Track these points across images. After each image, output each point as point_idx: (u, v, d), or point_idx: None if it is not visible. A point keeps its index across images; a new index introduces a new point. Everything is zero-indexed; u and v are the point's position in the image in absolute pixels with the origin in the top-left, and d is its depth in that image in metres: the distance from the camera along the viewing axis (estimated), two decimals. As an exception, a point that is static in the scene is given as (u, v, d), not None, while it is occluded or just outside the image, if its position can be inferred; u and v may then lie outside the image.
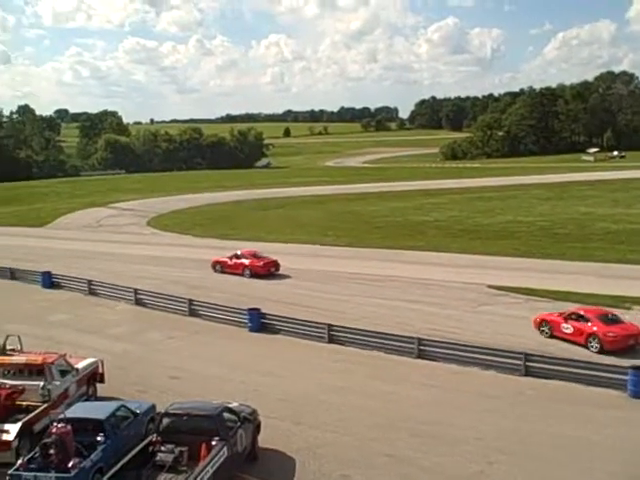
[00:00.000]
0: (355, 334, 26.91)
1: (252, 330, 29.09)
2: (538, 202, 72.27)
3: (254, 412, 18.41)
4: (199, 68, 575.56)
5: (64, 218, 72.94)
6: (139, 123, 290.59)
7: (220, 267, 41.58)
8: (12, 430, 17.65)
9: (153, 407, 19.12)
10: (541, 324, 27.83)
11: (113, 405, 18.40)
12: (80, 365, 21.76)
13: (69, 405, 19.28)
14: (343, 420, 19.87)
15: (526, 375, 22.99)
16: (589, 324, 26.05)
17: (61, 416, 16.81)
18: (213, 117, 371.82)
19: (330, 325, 27.48)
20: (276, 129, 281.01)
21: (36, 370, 19.99)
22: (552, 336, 27.08)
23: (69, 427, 15.99)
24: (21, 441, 17.61)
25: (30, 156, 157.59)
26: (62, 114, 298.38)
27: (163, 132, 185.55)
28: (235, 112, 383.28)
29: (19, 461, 15.66)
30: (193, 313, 31.87)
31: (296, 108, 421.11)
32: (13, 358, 20.92)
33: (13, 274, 41.80)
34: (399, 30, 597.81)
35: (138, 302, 34.32)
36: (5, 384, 19.40)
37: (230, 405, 17.69)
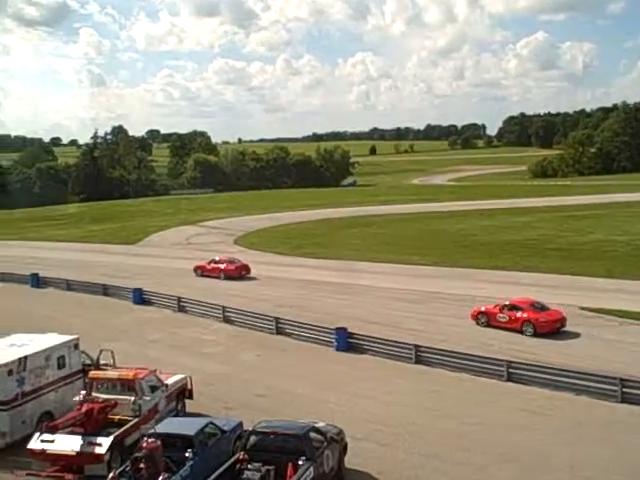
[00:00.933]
0: (443, 355, 26.47)
1: (339, 349, 28.98)
2: (636, 220, 69.48)
3: (341, 432, 18.28)
4: (286, 87, 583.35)
5: (155, 236, 74.79)
6: (227, 142, 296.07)
7: (200, 272, 48.04)
8: (104, 443, 18.03)
9: (240, 424, 19.20)
10: (478, 316, 32.12)
11: (202, 421, 18.57)
12: (170, 381, 22.11)
13: (159, 420, 19.59)
14: (431, 443, 19.50)
15: (622, 402, 22.09)
16: (522, 313, 30.53)
17: (151, 431, 17.10)
18: (300, 136, 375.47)
19: (417, 346, 27.14)
20: (362, 147, 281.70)
21: (127, 385, 20.38)
22: (488, 325, 31.41)
23: (159, 442, 16.22)
24: (112, 454, 17.98)
25: (123, 175, 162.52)
26: (154, 134, 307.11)
27: (251, 151, 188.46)
28: (321, 131, 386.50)
29: (110, 474, 15.95)
30: (280, 331, 32.02)
31: (382, 126, 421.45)
32: (106, 373, 21.44)
33: (106, 290, 43.04)
34: (487, 46, 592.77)
35: (226, 320, 34.75)
36: (98, 398, 19.88)
37: (317, 425, 17.60)
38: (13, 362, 20.38)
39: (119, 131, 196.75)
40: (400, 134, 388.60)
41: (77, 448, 18.02)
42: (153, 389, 20.90)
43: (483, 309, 32.25)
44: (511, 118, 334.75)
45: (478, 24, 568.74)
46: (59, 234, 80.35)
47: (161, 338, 32.29)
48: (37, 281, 47.14)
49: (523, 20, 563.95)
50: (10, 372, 20.14)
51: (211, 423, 18.42)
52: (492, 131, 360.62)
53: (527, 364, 24.77)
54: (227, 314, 34.86)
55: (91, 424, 18.72)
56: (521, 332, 30.21)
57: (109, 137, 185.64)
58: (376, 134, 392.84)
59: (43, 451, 18.22)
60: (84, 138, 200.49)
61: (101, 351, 23.73)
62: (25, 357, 20.80)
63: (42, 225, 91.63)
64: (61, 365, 22.10)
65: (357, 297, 39.28)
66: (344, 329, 29.49)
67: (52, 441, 18.20)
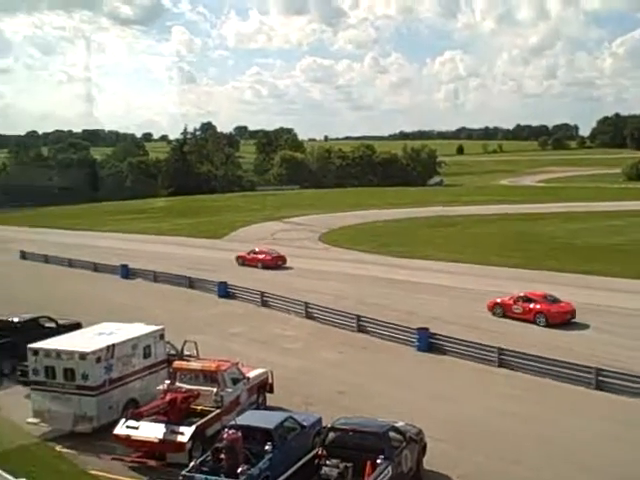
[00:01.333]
0: (528, 360, 25.87)
1: (420, 349, 28.75)
2: None
3: (420, 433, 18.12)
4: (373, 85, 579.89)
5: (241, 231, 75.87)
6: (314, 140, 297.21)
7: (242, 261, 51.66)
8: (186, 432, 18.40)
9: (319, 420, 19.26)
10: (494, 307, 34.41)
11: (281, 415, 18.72)
12: (251, 374, 22.39)
13: (240, 412, 19.85)
14: (512, 448, 19.14)
15: None
16: (536, 305, 32.83)
17: (232, 422, 17.35)
18: (386, 134, 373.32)
19: (501, 349, 26.64)
20: (449, 147, 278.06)
21: (210, 376, 20.76)
22: (504, 316, 33.76)
23: (239, 434, 16.43)
24: (194, 444, 18.33)
25: (211, 171, 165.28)
26: (241, 131, 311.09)
27: (337, 149, 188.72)
28: (408, 129, 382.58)
29: (191, 463, 16.26)
30: (361, 329, 31.98)
31: (470, 125, 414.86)
32: (190, 363, 21.85)
33: (191, 283, 43.91)
34: (581, 44, 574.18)
35: (308, 316, 34.94)
36: (182, 388, 20.30)
37: (396, 424, 17.49)
38: (101, 350, 21.02)
39: (208, 127, 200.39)
40: (488, 134, 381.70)
41: (160, 436, 18.47)
42: (235, 381, 21.20)
43: (499, 300, 34.48)
44: (605, 119, 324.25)
45: (572, 22, 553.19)
46: (148, 227, 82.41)
47: (243, 332, 32.71)
48: (126, 272, 48.54)
49: (619, 18, 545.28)
50: (98, 359, 20.77)
51: (291, 418, 18.55)
52: (585, 132, 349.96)
53: (620, 373, 23.90)
54: (310, 310, 35.04)
55: (174, 413, 19.12)
56: (534, 322, 32.43)
57: (198, 133, 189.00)
58: (463, 133, 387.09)
59: (128, 437, 18.76)
60: (174, 134, 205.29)
61: (185, 342, 24.21)
62: (113, 345, 21.42)
63: (132, 218, 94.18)
64: (147, 354, 22.68)
65: (438, 297, 38.95)
66: (426, 329, 29.24)
67: (137, 428, 18.72)
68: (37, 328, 27.91)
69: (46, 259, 56.77)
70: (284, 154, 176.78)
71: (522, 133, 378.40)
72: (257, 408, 21.62)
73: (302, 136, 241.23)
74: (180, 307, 38.26)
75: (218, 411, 19.73)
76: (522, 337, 30.14)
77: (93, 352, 20.72)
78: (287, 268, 50.31)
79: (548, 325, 31.99)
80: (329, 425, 17.16)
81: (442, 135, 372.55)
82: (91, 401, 20.42)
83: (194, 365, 21.54)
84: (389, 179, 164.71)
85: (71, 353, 20.76)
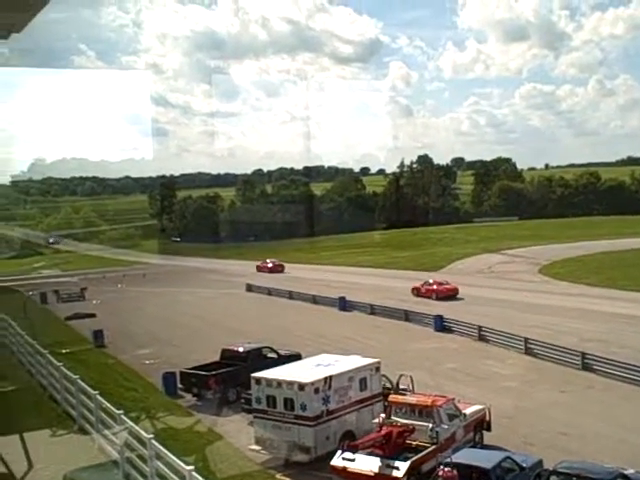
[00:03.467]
0: None
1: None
2: None
3: (652, 483, 16.68)
4: (598, 110, 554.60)
5: (458, 263, 75.16)
6: (533, 169, 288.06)
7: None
8: (402, 467, 18.25)
9: (540, 462, 18.35)
10: (413, 290, 53.13)
11: (499, 455, 18.10)
12: (468, 411, 21.85)
13: (455, 450, 19.39)
14: None
15: None
16: (433, 286, 52.21)
17: (448, 460, 16.99)
18: (613, 160, 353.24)
19: None
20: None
21: (426, 411, 20.49)
22: (418, 295, 52.19)
23: (455, 472, 16.08)
24: (409, 479, 18.14)
25: (427, 203, 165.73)
26: (458, 162, 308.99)
27: (558, 177, 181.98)
28: (638, 154, 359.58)
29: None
30: (586, 367, 30.20)
31: None
32: (405, 398, 21.76)
33: (407, 316, 43.97)
34: None
35: (528, 352, 33.64)
36: (397, 422, 20.22)
37: (626, 472, 16.23)
38: (319, 381, 21.48)
39: (424, 160, 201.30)
40: None
41: (376, 469, 18.48)
42: (451, 417, 20.80)
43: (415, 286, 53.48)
44: None
45: None
46: (365, 260, 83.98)
47: (458, 367, 32.09)
48: (344, 304, 49.61)
49: None
50: (317, 390, 21.25)
51: (509, 458, 17.87)
52: None
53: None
54: (529, 346, 33.73)
55: (390, 447, 19.06)
56: (430, 297, 50.47)
57: (414, 166, 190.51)
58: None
59: (344, 469, 18.93)
60: (391, 167, 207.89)
61: (401, 376, 24.19)
62: (330, 377, 21.83)
63: (350, 252, 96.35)
64: (363, 387, 22.86)
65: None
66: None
67: (353, 460, 18.85)
68: (260, 358, 29.24)
69: (269, 292, 59.54)
70: (502, 184, 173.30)
71: None
72: (474, 446, 21.04)
73: (521, 165, 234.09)
74: (395, 340, 38.38)
75: (434, 447, 19.40)
76: None
77: (312, 383, 21.23)
78: (502, 300, 48.87)
79: (437, 299, 49.67)
80: (551, 468, 16.31)
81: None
82: (309, 431, 20.89)
83: (410, 399, 21.40)
84: (615, 208, 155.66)
85: (291, 383, 21.39)
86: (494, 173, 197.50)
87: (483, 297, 50.80)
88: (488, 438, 21.98)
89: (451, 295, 51.95)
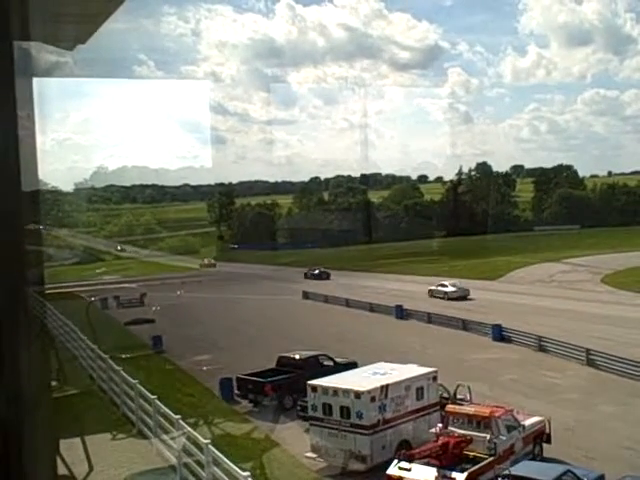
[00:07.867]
0: None
1: None
2: None
3: None
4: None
5: (517, 272, 73.96)
6: (596, 176, 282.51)
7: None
8: (458, 478, 18.09)
9: (602, 477, 17.93)
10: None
11: (560, 469, 17.74)
12: (527, 422, 21.49)
13: (514, 462, 19.08)
14: None
15: None
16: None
17: (506, 472, 16.73)
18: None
19: None
20: None
21: (483, 422, 20.24)
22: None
23: (513, 485, 15.79)
24: (467, 492, 17.92)
25: (486, 211, 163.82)
26: (518, 170, 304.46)
27: (622, 184, 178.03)
28: None
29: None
30: (650, 379, 29.41)
31: None
32: (463, 408, 21.52)
33: (465, 325, 43.49)
34: None
35: (590, 363, 32.91)
36: (454, 432, 20.00)
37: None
38: (376, 389, 21.42)
39: (483, 167, 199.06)
40: None
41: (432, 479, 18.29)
42: (509, 429, 20.49)
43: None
44: None
45: None
46: (422, 267, 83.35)
47: (517, 378, 31.55)
48: (401, 313, 49.33)
49: None
50: (373, 399, 21.19)
51: (570, 471, 17.49)
52: None
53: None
54: (591, 357, 32.99)
55: (447, 458, 18.86)
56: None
57: (473, 173, 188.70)
58: None
59: (400, 478, 18.79)
60: (449, 175, 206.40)
61: (458, 386, 23.96)
62: (387, 385, 21.75)
63: (407, 260, 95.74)
64: (419, 396, 22.71)
65: None
66: None
67: (409, 470, 18.69)
68: (317, 366, 29.28)
69: (325, 299, 59.53)
70: (563, 192, 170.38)
71: None
72: (533, 459, 20.65)
73: (583, 172, 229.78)
74: (451, 349, 37.94)
75: (491, 459, 19.12)
76: None
77: (368, 391, 21.19)
78: (562, 310, 47.87)
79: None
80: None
81: None
82: (365, 440, 20.83)
83: (467, 410, 21.17)
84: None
85: (347, 391, 21.39)
86: (555, 180, 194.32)
87: (544, 307, 49.80)
88: (548, 451, 21.55)
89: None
